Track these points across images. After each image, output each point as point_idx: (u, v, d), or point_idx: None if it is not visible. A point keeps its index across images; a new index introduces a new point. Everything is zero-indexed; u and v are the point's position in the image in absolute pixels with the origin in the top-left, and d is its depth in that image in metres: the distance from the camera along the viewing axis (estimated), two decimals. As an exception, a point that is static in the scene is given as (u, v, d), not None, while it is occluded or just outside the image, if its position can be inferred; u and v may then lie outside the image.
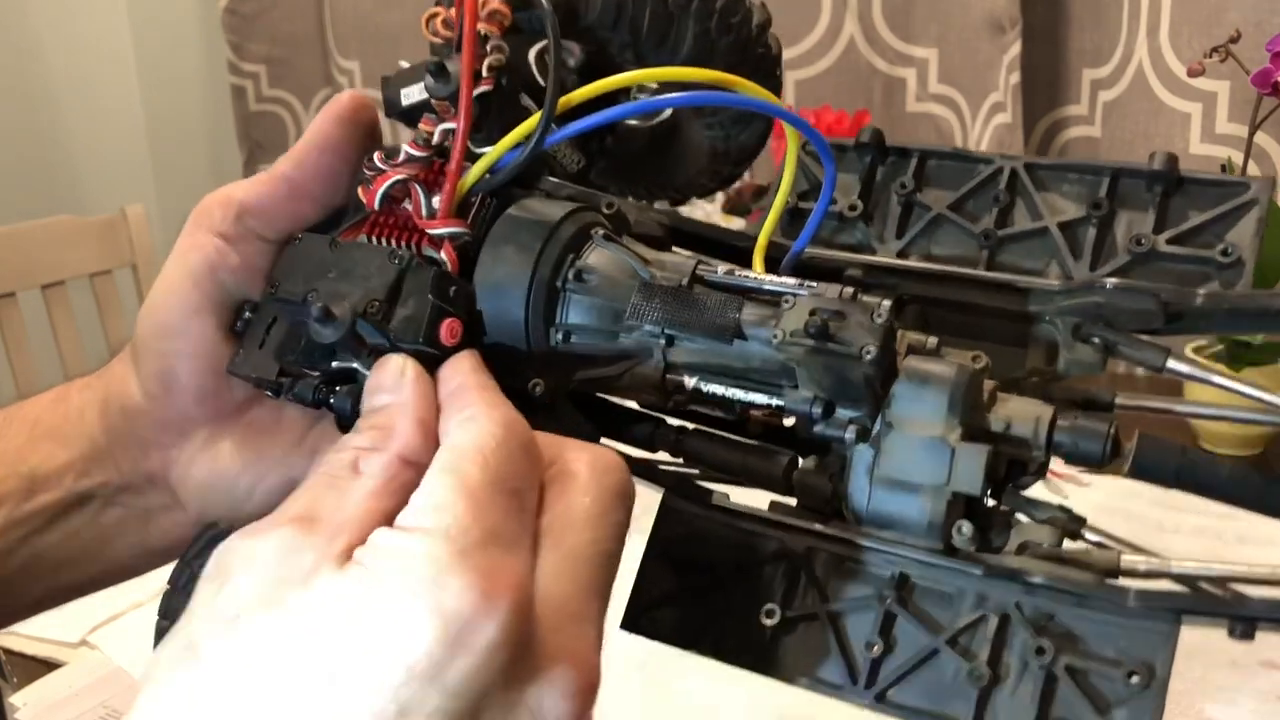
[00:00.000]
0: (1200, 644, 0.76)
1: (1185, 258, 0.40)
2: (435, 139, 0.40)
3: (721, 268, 0.39)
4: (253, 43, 2.11)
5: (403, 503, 0.32)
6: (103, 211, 1.69)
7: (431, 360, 0.37)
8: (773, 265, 0.42)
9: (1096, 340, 0.39)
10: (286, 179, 0.43)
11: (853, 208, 0.45)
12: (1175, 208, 0.41)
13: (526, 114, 0.40)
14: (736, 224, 1.34)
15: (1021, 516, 0.38)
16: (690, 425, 0.42)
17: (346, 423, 0.39)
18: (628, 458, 0.36)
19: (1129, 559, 0.37)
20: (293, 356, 0.41)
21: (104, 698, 0.79)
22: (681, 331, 0.38)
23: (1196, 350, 1.08)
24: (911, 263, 0.43)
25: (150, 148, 2.25)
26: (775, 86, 0.46)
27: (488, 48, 0.40)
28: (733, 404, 0.39)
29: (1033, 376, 0.40)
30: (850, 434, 0.36)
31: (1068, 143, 1.49)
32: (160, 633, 0.38)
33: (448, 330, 0.37)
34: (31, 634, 0.85)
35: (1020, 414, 0.37)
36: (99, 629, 0.86)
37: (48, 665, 0.83)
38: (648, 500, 0.39)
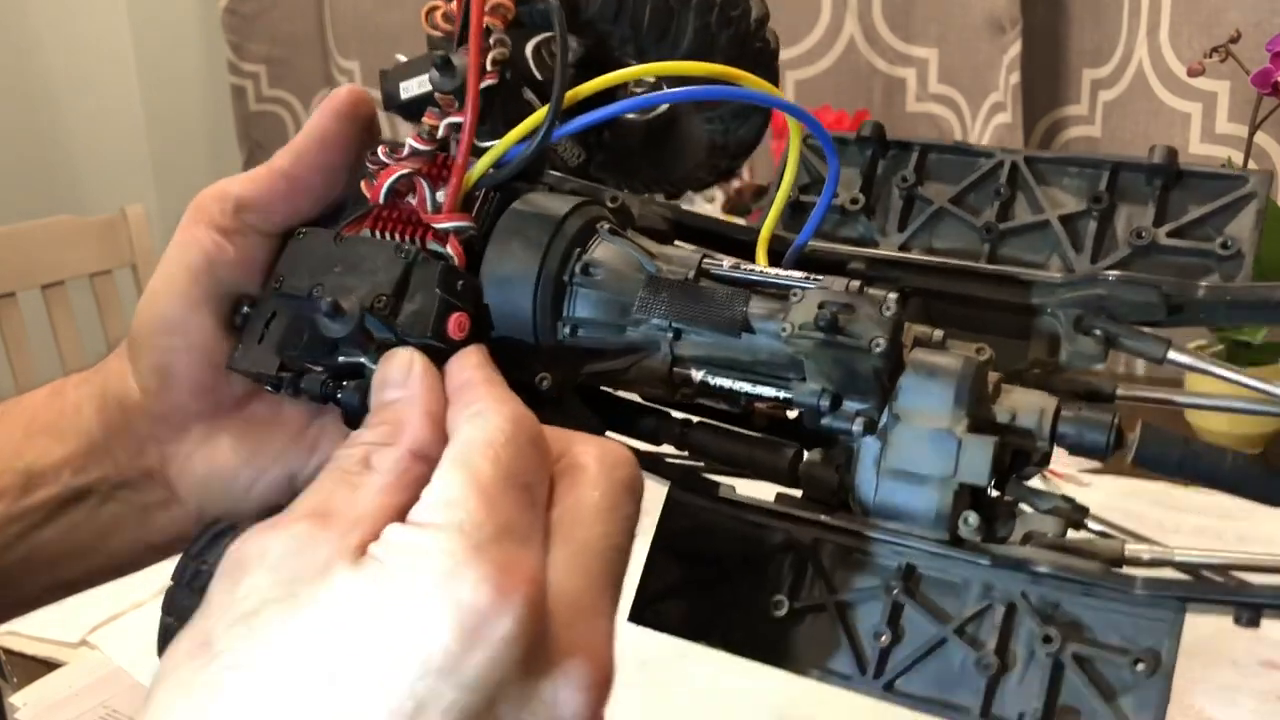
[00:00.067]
0: (1200, 643, 0.76)
1: (1185, 250, 0.41)
2: (440, 133, 0.40)
3: (727, 261, 0.39)
4: (253, 43, 2.11)
5: (415, 497, 0.32)
6: (103, 211, 1.69)
7: (438, 354, 0.37)
8: (775, 259, 0.42)
9: (1098, 332, 0.40)
10: (285, 174, 0.43)
11: (854, 201, 0.45)
12: (1175, 201, 0.41)
13: (529, 108, 0.40)
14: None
15: (1025, 507, 0.38)
16: (695, 418, 0.42)
17: (354, 418, 0.39)
18: (634, 451, 0.36)
19: (1132, 548, 0.37)
20: (295, 351, 0.41)
21: (104, 698, 0.79)
22: (689, 325, 0.38)
23: (1197, 350, 1.08)
24: (915, 256, 0.43)
25: (150, 148, 2.25)
26: (773, 80, 0.46)
27: (491, 41, 0.40)
28: (739, 397, 0.39)
29: (1035, 368, 0.40)
30: (858, 426, 0.36)
31: (1068, 143, 1.49)
32: (165, 629, 0.38)
33: (455, 325, 0.37)
34: (31, 634, 0.85)
35: (1025, 405, 0.37)
36: (99, 629, 0.86)
37: (48, 665, 0.83)
38: (651, 497, 0.39)
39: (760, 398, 0.38)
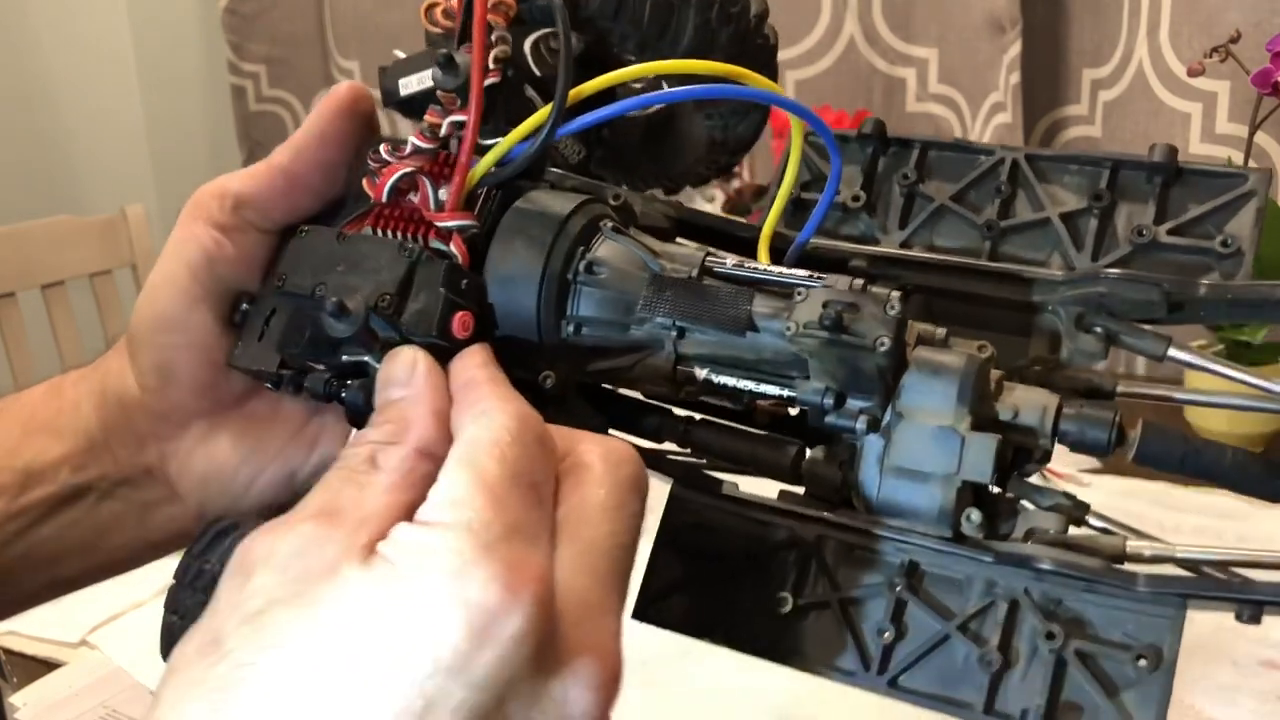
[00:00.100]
0: (1200, 643, 0.76)
1: (1185, 248, 0.41)
2: (443, 131, 0.40)
3: (730, 259, 0.40)
4: (253, 43, 2.11)
5: (422, 495, 0.32)
6: (103, 211, 1.70)
7: (442, 353, 0.37)
8: (777, 256, 0.42)
9: (1099, 329, 0.40)
10: (284, 170, 0.43)
11: (856, 198, 0.45)
12: (1175, 199, 0.42)
13: (531, 105, 0.40)
14: (737, 224, 1.33)
15: (1027, 503, 0.38)
16: (697, 416, 0.42)
17: (359, 417, 0.38)
18: (637, 449, 0.36)
19: (1134, 544, 0.37)
20: (296, 349, 0.40)
21: (104, 698, 0.79)
22: (693, 324, 0.38)
23: (1198, 349, 1.08)
24: (917, 253, 0.43)
25: (150, 148, 2.25)
26: (772, 77, 0.46)
27: (493, 38, 0.40)
28: (742, 395, 0.39)
29: (1035, 365, 0.41)
30: (861, 424, 0.37)
31: (1068, 143, 1.49)
32: (169, 627, 0.38)
33: (460, 323, 0.37)
34: (31, 634, 0.85)
35: (1027, 403, 0.37)
36: (99, 629, 0.86)
37: (48, 665, 0.83)
38: (655, 495, 0.39)
39: (764, 396, 0.39)
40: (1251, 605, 0.34)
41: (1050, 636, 0.35)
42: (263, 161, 0.44)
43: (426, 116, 0.40)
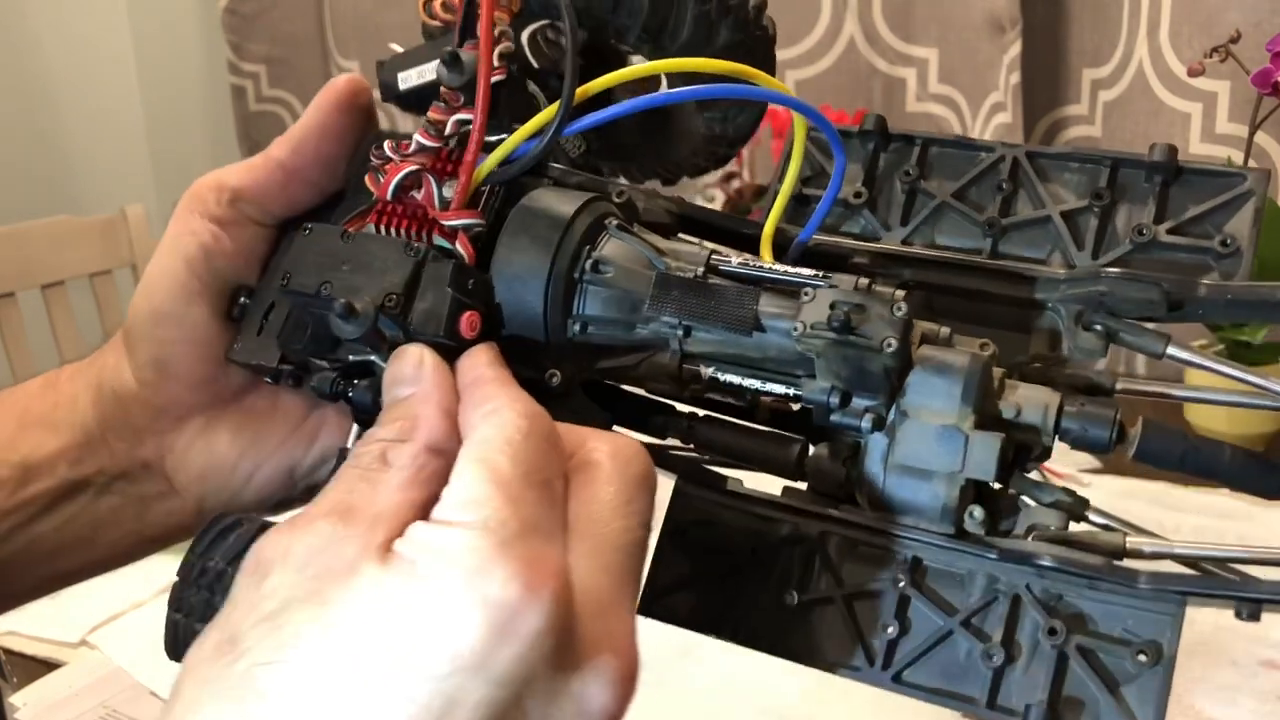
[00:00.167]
0: (1200, 643, 0.76)
1: (1185, 248, 0.41)
2: (448, 130, 0.39)
3: (735, 258, 0.40)
4: (253, 43, 2.11)
5: (434, 492, 0.32)
6: (103, 211, 1.70)
7: (449, 352, 0.37)
8: (778, 252, 0.42)
9: (1098, 327, 0.40)
10: (281, 164, 0.43)
11: (858, 195, 0.45)
12: (1174, 198, 0.42)
13: (534, 100, 0.40)
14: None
15: (1027, 499, 0.38)
16: (701, 412, 0.43)
17: (366, 416, 0.38)
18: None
19: (1133, 541, 0.38)
20: (298, 346, 0.40)
21: (104, 698, 0.79)
22: (700, 324, 0.38)
23: (1199, 349, 1.08)
24: (919, 250, 0.44)
25: (150, 148, 2.25)
26: (771, 68, 0.46)
27: (496, 33, 0.39)
28: (747, 392, 0.39)
29: (1035, 362, 0.41)
30: (866, 423, 0.37)
31: (1068, 143, 1.49)
32: (173, 625, 0.37)
33: (467, 323, 0.37)
34: (31, 634, 0.85)
35: (1030, 401, 0.38)
36: (99, 629, 0.86)
37: (48, 665, 0.83)
38: (659, 491, 0.39)
39: (769, 394, 0.39)
40: (1250, 603, 0.35)
41: (1052, 632, 0.35)
42: (260, 155, 0.44)
43: (430, 113, 0.40)
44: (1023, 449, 0.38)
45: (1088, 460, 1.05)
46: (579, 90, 0.38)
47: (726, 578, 0.40)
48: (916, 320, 0.38)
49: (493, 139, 0.39)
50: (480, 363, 0.36)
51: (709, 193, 1.59)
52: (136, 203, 1.73)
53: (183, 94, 2.27)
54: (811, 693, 0.75)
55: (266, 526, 0.38)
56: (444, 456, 0.33)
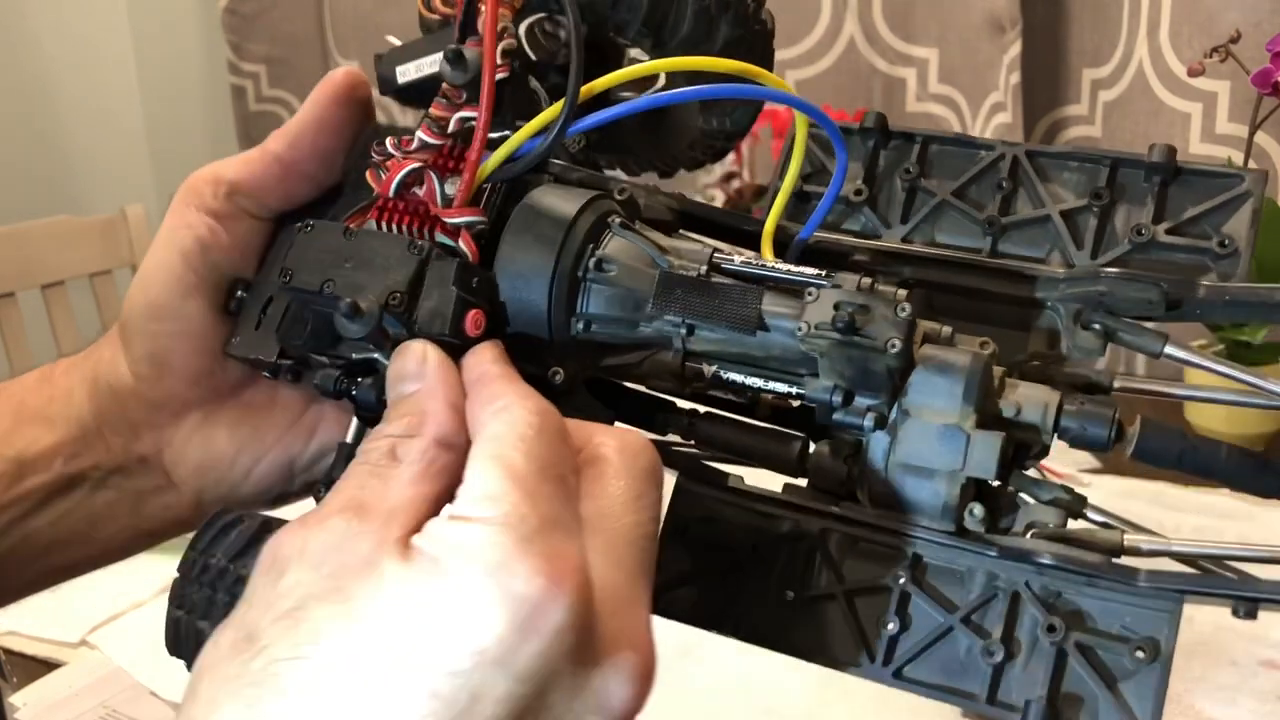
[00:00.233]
0: (1200, 644, 0.76)
1: (1183, 248, 0.41)
2: (451, 127, 0.39)
3: (738, 256, 0.40)
4: (253, 43, 2.11)
5: (446, 485, 0.32)
6: (103, 211, 1.70)
7: (452, 350, 0.37)
8: (779, 249, 0.42)
9: (1097, 326, 0.40)
10: (279, 158, 0.43)
11: (858, 193, 0.45)
12: (1173, 198, 0.42)
13: (536, 96, 0.40)
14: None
15: (1026, 497, 0.39)
16: (702, 409, 0.43)
17: (370, 414, 0.38)
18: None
19: (1131, 538, 0.38)
20: (298, 341, 0.40)
21: (104, 698, 0.79)
22: (704, 323, 0.38)
23: (1199, 349, 1.08)
24: (920, 248, 0.44)
25: (150, 148, 2.25)
26: (769, 63, 0.46)
27: (499, 29, 0.39)
28: (748, 390, 0.39)
29: (1034, 360, 0.41)
30: (869, 421, 0.37)
31: (1068, 143, 1.49)
32: (175, 622, 0.37)
33: (472, 322, 0.37)
34: (31, 634, 0.85)
35: (1030, 400, 0.38)
36: (99, 629, 0.86)
37: (48, 665, 0.83)
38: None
39: (771, 392, 0.39)
40: (1248, 601, 0.35)
41: (1051, 629, 0.35)
42: (257, 148, 0.43)
43: (432, 110, 0.39)
44: (1022, 447, 0.38)
45: (1087, 460, 1.05)
46: (586, 88, 0.38)
47: (728, 574, 0.40)
48: (919, 319, 0.38)
49: (495, 135, 0.39)
50: (485, 360, 0.36)
51: (709, 193, 1.59)
52: (136, 203, 1.74)
53: (183, 94, 2.28)
54: (812, 693, 0.75)
55: (268, 523, 0.38)
56: (453, 450, 0.33)
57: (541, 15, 0.41)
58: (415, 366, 0.36)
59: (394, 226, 0.39)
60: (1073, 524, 0.38)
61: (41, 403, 0.46)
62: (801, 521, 0.39)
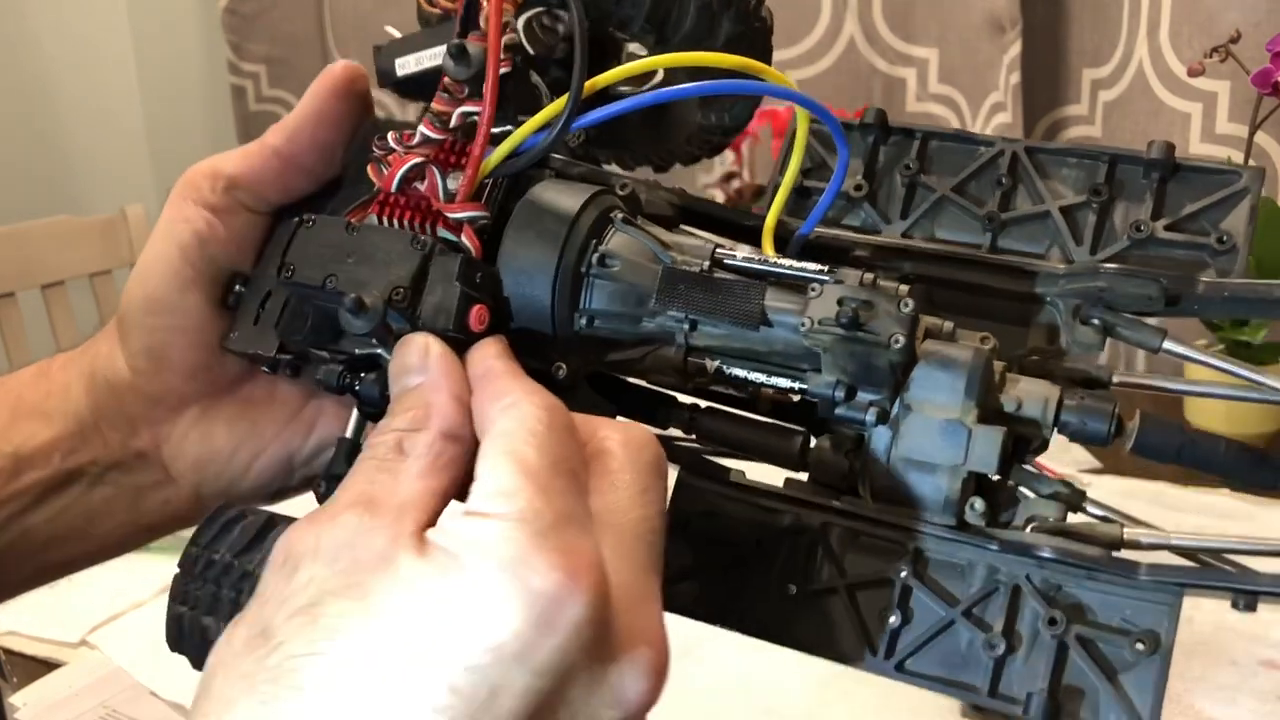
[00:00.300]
0: (1200, 643, 0.76)
1: (1182, 244, 0.41)
2: (453, 122, 0.39)
3: (740, 252, 0.40)
4: (253, 43, 2.11)
5: (455, 478, 0.32)
6: (103, 211, 1.70)
7: (456, 345, 0.37)
8: (779, 244, 0.42)
9: (1096, 321, 0.40)
10: (277, 152, 0.43)
11: (858, 188, 0.46)
12: (1171, 195, 0.42)
13: (537, 91, 0.40)
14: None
15: (1026, 491, 0.39)
16: (703, 403, 0.43)
17: (373, 410, 0.38)
18: None
19: (1131, 532, 0.38)
20: (298, 336, 0.40)
21: (104, 698, 0.79)
22: (707, 318, 0.39)
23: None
24: (920, 244, 0.44)
25: (150, 148, 2.25)
26: (768, 58, 0.46)
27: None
28: (750, 385, 0.39)
29: (1033, 355, 0.41)
30: (871, 416, 0.37)
31: (1068, 142, 1.49)
32: (177, 618, 0.37)
33: (476, 317, 0.37)
34: (31, 634, 0.85)
35: (1030, 394, 0.38)
36: (99, 629, 0.86)
37: (48, 665, 0.83)
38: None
39: (774, 388, 0.39)
40: (1247, 594, 0.35)
41: (1052, 622, 0.36)
42: (256, 142, 0.43)
43: (434, 104, 0.39)
44: (1022, 441, 0.38)
45: (1087, 460, 1.05)
46: (590, 83, 0.38)
47: (730, 568, 0.40)
48: (921, 315, 0.38)
49: (498, 130, 0.39)
50: (490, 355, 0.36)
51: (709, 193, 1.59)
52: (136, 203, 1.74)
53: (183, 94, 2.28)
54: (812, 693, 0.75)
55: (272, 518, 0.38)
56: (460, 443, 0.33)
57: (540, 9, 0.41)
58: (418, 360, 0.35)
59: (395, 221, 0.39)
60: (1072, 518, 0.38)
61: (39, 398, 0.46)
62: (803, 516, 0.39)
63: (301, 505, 0.39)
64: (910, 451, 0.37)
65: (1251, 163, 1.10)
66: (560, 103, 0.38)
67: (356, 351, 0.39)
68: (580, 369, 0.40)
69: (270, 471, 0.46)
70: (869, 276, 0.37)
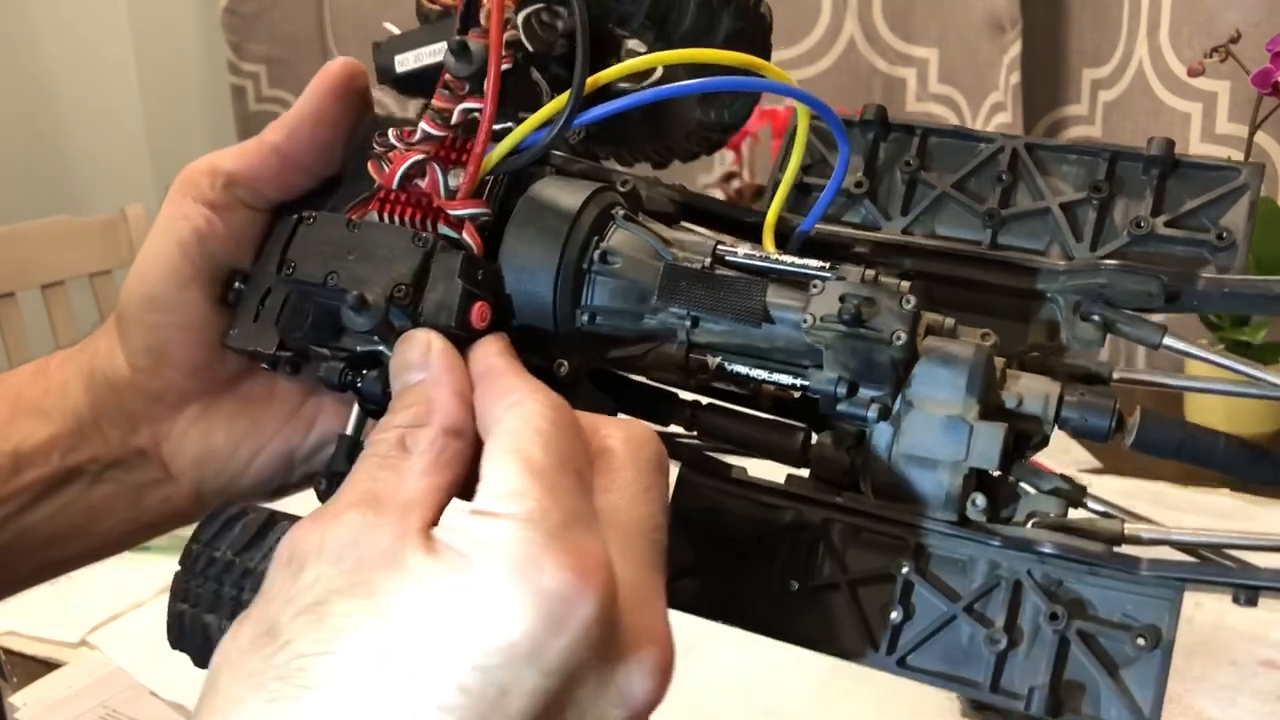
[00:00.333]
0: (1200, 643, 0.76)
1: (1182, 240, 0.41)
2: (454, 119, 0.39)
3: (741, 248, 0.40)
4: (253, 43, 2.11)
5: (458, 474, 0.32)
6: (103, 211, 1.70)
7: (459, 342, 0.37)
8: (780, 240, 0.42)
9: (1096, 318, 0.40)
10: (276, 149, 0.43)
11: (859, 185, 0.46)
12: (1171, 191, 0.42)
13: (537, 88, 0.40)
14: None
15: (1026, 486, 0.39)
16: (704, 400, 0.43)
17: (375, 407, 0.38)
18: None
19: (1132, 527, 0.38)
20: (298, 333, 0.40)
21: (104, 698, 0.79)
22: (709, 315, 0.39)
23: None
24: (920, 240, 0.44)
25: (150, 148, 2.25)
26: (767, 54, 0.46)
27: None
28: (751, 382, 0.39)
29: (1034, 351, 0.41)
30: (873, 413, 0.38)
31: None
32: (178, 616, 0.37)
33: (478, 314, 0.37)
34: (31, 634, 0.85)
35: (1031, 391, 0.38)
36: (99, 629, 0.86)
37: (48, 665, 0.83)
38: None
39: (774, 384, 0.39)
40: (1248, 589, 0.35)
41: (1054, 617, 0.36)
42: (255, 139, 0.43)
43: (435, 101, 0.39)
44: (1023, 437, 0.38)
45: (1088, 460, 1.05)
46: (591, 80, 0.38)
47: (732, 565, 0.40)
48: (922, 311, 0.38)
49: (498, 127, 0.39)
50: (492, 352, 0.36)
51: (709, 193, 1.59)
52: (136, 203, 1.74)
53: (183, 94, 2.28)
54: (812, 692, 0.75)
55: (274, 516, 0.38)
56: (462, 439, 0.33)
57: (539, 6, 0.41)
58: (419, 356, 0.35)
59: (396, 218, 0.39)
60: (1073, 513, 0.38)
61: (37, 395, 0.46)
62: (805, 512, 0.39)
63: (302, 502, 0.39)
64: (912, 447, 0.37)
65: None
66: (561, 99, 0.38)
67: (357, 348, 0.39)
68: (582, 366, 0.40)
69: (270, 468, 0.46)
70: (870, 273, 0.37)
